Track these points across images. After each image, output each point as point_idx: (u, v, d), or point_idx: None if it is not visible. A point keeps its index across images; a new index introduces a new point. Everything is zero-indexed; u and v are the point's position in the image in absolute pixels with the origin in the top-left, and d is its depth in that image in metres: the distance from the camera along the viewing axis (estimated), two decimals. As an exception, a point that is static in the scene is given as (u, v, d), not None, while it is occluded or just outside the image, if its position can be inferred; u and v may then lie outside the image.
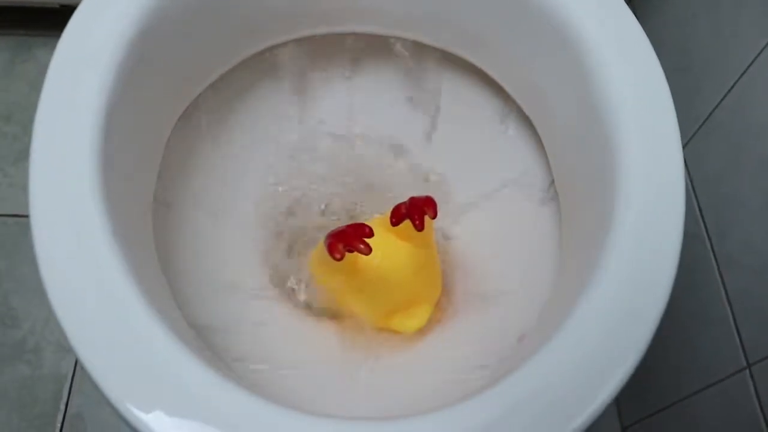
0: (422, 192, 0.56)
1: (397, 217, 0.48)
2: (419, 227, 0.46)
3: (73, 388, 0.80)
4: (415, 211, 0.47)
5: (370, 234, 0.44)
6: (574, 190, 0.50)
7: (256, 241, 0.60)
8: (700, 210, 0.63)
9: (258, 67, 0.61)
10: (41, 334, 0.83)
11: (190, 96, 0.55)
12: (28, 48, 1.05)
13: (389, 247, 0.49)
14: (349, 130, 0.67)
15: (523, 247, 0.56)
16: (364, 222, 0.47)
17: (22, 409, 0.79)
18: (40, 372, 0.81)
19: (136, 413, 0.34)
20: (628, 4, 0.49)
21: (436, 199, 0.47)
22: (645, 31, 0.48)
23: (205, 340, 0.48)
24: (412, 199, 0.48)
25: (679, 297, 0.60)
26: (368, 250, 0.43)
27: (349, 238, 0.44)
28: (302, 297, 0.57)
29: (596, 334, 0.38)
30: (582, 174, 0.49)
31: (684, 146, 0.66)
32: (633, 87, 0.46)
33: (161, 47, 0.48)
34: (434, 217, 0.46)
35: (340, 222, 0.64)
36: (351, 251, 0.44)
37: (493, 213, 0.60)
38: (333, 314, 0.56)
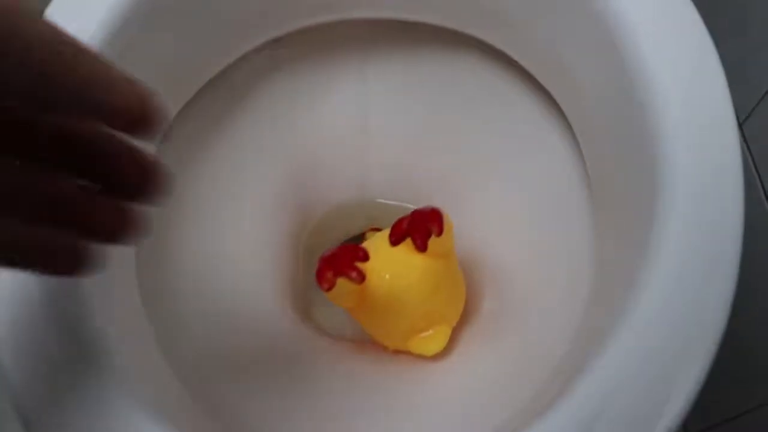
0: (449, 199, 0.50)
1: (396, 235, 0.42)
2: (421, 247, 0.40)
3: None
4: (416, 228, 0.40)
5: (365, 258, 0.38)
6: (612, 187, 0.43)
7: (267, 257, 0.55)
8: (763, 187, 0.56)
9: (259, 63, 0.55)
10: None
11: (185, 96, 0.50)
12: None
13: (401, 262, 0.43)
14: (364, 130, 0.61)
15: (562, 259, 0.49)
16: (377, 230, 0.42)
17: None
18: None
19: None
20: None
21: (465, 207, 0.40)
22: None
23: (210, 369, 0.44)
24: (414, 213, 0.42)
25: (744, 296, 0.53)
26: (360, 279, 0.38)
27: (339, 265, 0.38)
28: (318, 317, 0.52)
29: (646, 354, 0.32)
30: (620, 167, 0.42)
31: (742, 122, 0.59)
32: (675, 56, 0.38)
33: (147, 41, 0.43)
34: (440, 234, 0.40)
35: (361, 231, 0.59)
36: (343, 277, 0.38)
37: (528, 221, 0.53)
38: (350, 336, 0.51)
